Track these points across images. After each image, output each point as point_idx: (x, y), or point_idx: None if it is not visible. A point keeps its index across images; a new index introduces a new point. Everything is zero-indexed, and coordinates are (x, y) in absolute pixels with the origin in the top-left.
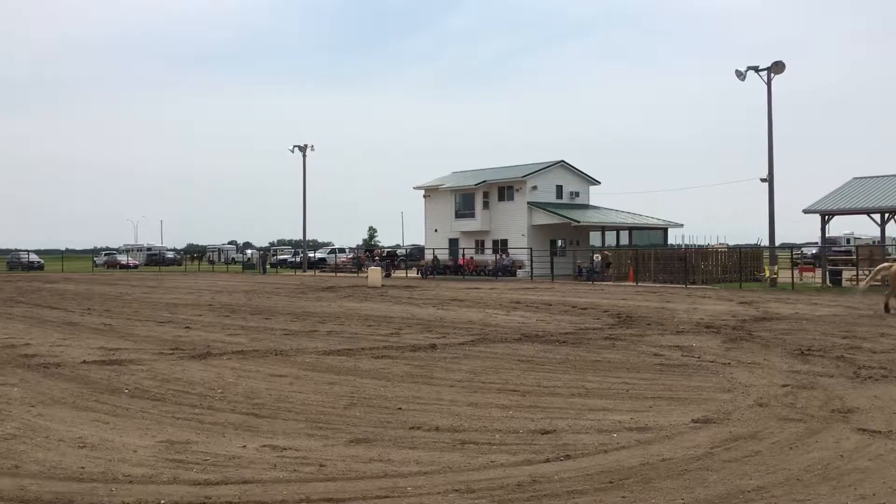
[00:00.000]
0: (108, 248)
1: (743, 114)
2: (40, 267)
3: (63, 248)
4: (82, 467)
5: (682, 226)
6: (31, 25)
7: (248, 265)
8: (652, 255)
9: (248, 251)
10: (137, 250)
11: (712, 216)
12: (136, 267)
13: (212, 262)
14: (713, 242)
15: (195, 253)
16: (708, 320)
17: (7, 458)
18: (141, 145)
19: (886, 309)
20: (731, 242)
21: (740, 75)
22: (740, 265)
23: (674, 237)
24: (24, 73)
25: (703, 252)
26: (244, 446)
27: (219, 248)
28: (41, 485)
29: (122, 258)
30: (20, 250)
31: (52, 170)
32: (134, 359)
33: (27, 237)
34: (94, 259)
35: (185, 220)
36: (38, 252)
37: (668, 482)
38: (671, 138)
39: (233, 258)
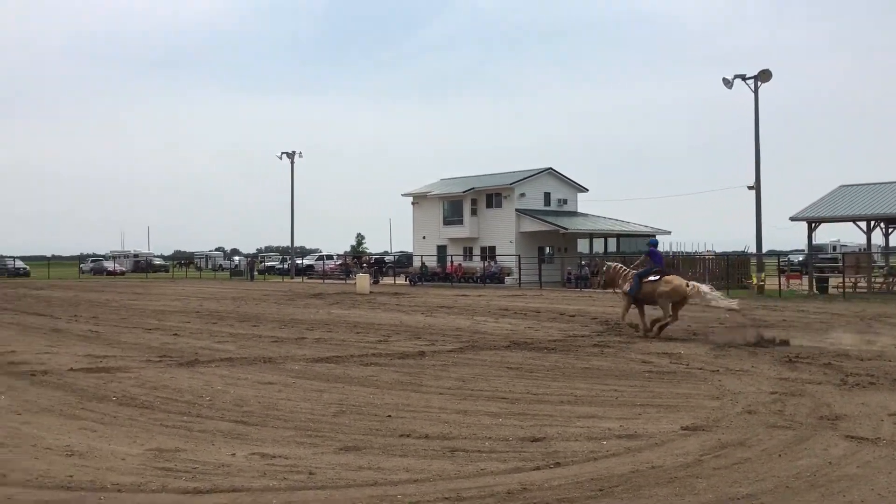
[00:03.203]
0: (94, 255)
1: (731, 121)
2: (26, 273)
3: (49, 255)
4: (70, 476)
5: (669, 233)
6: (11, 34)
7: (235, 272)
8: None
9: (236, 258)
10: (124, 257)
11: (700, 223)
12: (122, 273)
13: (199, 269)
14: (700, 249)
15: (182, 260)
16: (696, 327)
17: None
18: (128, 152)
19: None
20: (719, 250)
21: (727, 83)
22: (727, 272)
23: (661, 245)
24: (6, 79)
25: (690, 259)
26: (233, 454)
27: (206, 255)
28: (29, 493)
29: (109, 265)
30: (5, 256)
31: (39, 176)
32: (121, 366)
33: (12, 243)
34: (81, 265)
35: (172, 227)
36: (23, 258)
37: (658, 489)
38: (659, 146)
39: (220, 265)
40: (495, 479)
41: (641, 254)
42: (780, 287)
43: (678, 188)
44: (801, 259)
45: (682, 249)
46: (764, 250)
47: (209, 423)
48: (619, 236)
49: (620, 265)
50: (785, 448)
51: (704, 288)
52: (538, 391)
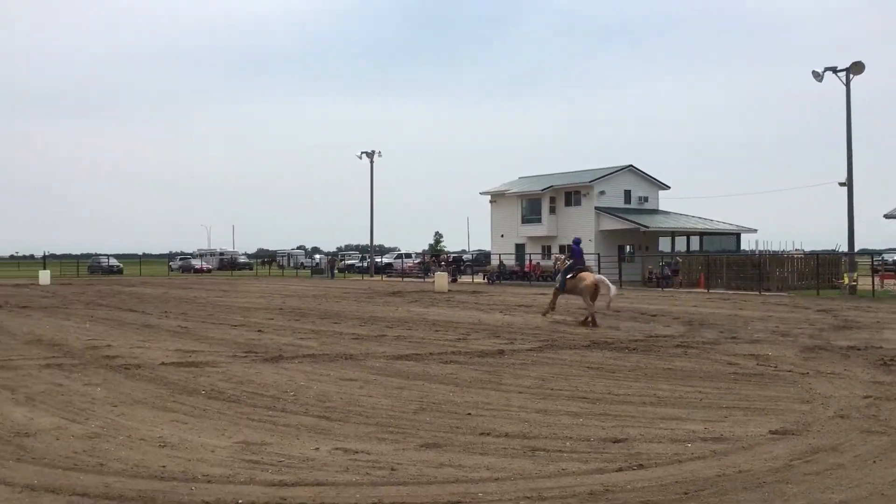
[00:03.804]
0: (182, 253)
1: (819, 116)
2: (119, 271)
3: (140, 253)
4: (163, 466)
5: (755, 231)
6: (103, 37)
7: (316, 270)
8: (724, 261)
9: (317, 256)
10: (210, 255)
11: (788, 221)
12: (209, 271)
13: (281, 267)
14: (788, 248)
15: (265, 258)
16: (784, 328)
17: (92, 455)
18: (213, 152)
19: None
20: (808, 248)
21: (817, 76)
22: (817, 272)
23: (747, 243)
24: (97, 83)
25: (777, 258)
26: (317, 448)
27: (288, 253)
28: (125, 483)
29: (197, 263)
30: (100, 255)
31: (130, 177)
32: (210, 361)
33: (106, 242)
34: (170, 263)
35: (255, 226)
36: (116, 256)
37: (746, 494)
38: (744, 141)
39: (301, 263)
40: (576, 480)
41: (725, 252)
42: (873, 287)
43: (766, 185)
44: (895, 258)
45: (769, 248)
46: (856, 249)
47: (293, 417)
48: (702, 234)
49: (564, 258)
50: (880, 454)
51: (607, 281)
52: (619, 391)
